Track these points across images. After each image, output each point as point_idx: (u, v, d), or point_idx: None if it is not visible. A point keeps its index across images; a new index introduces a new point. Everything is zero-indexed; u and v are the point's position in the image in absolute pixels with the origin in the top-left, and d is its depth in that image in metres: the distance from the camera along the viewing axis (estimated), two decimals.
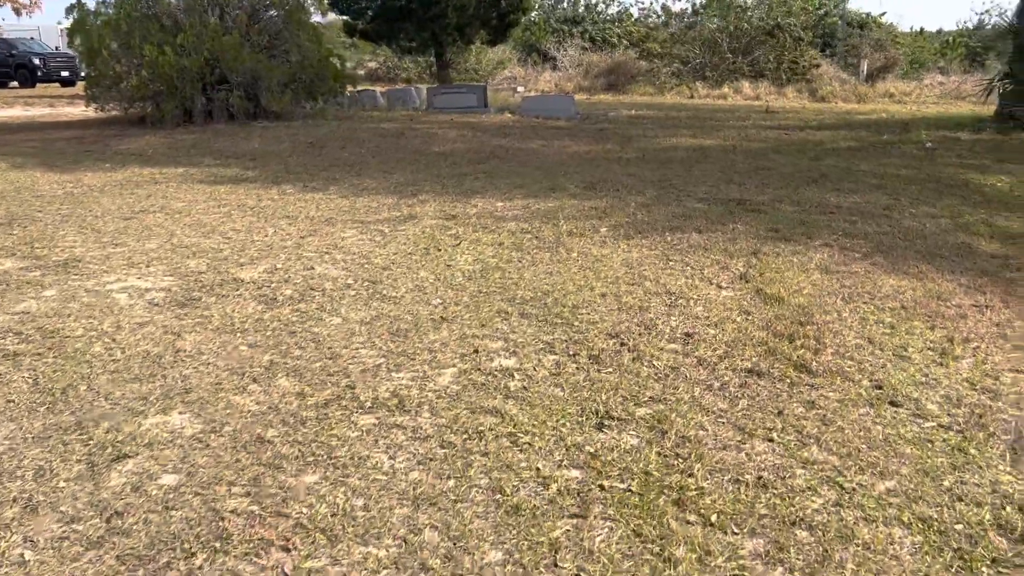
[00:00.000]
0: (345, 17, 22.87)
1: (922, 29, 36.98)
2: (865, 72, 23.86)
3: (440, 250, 5.25)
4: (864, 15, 27.06)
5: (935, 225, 6.10)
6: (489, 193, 7.39)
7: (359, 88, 18.49)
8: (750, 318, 3.99)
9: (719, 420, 2.91)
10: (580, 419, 2.88)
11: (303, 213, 6.51)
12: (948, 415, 3.03)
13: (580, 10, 36.90)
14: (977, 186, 7.78)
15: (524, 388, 3.12)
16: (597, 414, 2.92)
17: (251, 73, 12.88)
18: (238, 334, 3.73)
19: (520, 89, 23.61)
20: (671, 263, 4.94)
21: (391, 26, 22.20)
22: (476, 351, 3.47)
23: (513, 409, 2.93)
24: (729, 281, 4.61)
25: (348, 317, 3.94)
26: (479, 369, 3.29)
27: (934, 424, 2.95)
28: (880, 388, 3.23)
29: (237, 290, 4.42)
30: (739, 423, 2.89)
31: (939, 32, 39.69)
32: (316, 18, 14.85)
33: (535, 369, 3.30)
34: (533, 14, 37.32)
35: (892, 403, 3.11)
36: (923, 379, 3.33)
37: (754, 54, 24.40)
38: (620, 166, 9.07)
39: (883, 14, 28.27)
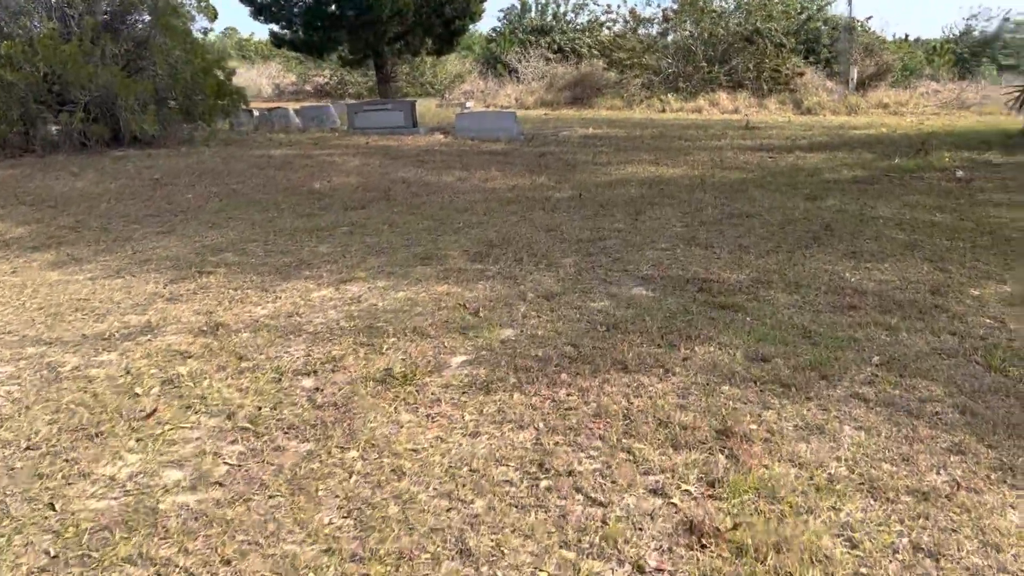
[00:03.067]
0: (272, 26, 20.16)
1: (906, 36, 34.76)
2: (855, 80, 21.42)
3: (90, 443, 2.63)
4: (850, 19, 24.59)
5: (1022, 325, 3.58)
6: (323, 267, 4.79)
7: (270, 107, 15.83)
8: None
9: None
10: None
11: None
12: None
13: (548, 19, 34.44)
14: None
15: None
16: None
17: (104, 90, 10.22)
18: None
19: (469, 104, 20.98)
20: (553, 478, 2.33)
21: (322, 36, 19.51)
22: None
23: None
24: (668, 542, 2.02)
25: None
26: None
27: None
28: None
29: None
30: None
31: (918, 40, 37.48)
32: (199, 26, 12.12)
33: None
34: (497, 23, 34.94)
35: None
36: None
37: (732, 62, 21.89)
38: (545, 212, 6.49)
39: (869, 18, 25.91)
